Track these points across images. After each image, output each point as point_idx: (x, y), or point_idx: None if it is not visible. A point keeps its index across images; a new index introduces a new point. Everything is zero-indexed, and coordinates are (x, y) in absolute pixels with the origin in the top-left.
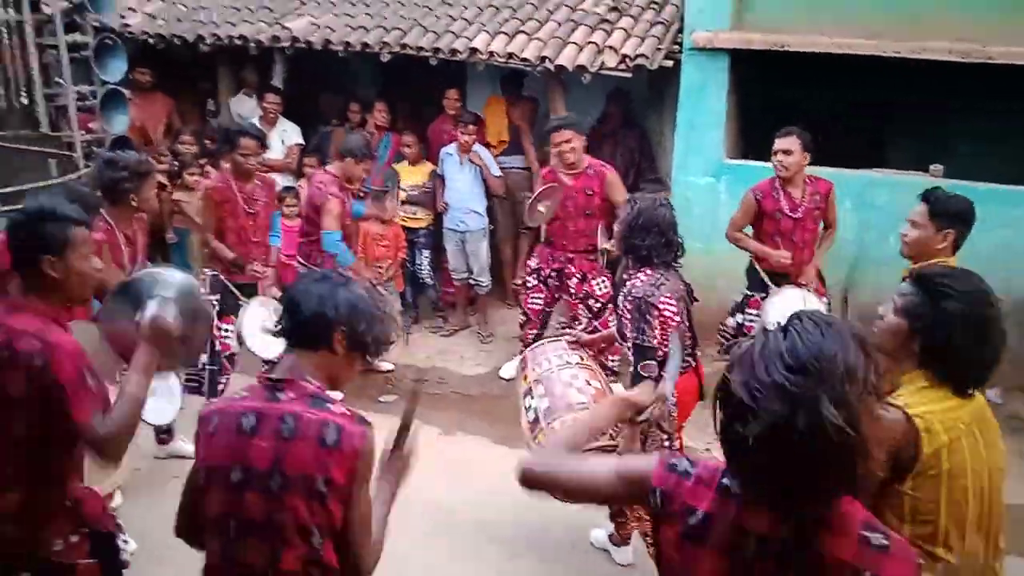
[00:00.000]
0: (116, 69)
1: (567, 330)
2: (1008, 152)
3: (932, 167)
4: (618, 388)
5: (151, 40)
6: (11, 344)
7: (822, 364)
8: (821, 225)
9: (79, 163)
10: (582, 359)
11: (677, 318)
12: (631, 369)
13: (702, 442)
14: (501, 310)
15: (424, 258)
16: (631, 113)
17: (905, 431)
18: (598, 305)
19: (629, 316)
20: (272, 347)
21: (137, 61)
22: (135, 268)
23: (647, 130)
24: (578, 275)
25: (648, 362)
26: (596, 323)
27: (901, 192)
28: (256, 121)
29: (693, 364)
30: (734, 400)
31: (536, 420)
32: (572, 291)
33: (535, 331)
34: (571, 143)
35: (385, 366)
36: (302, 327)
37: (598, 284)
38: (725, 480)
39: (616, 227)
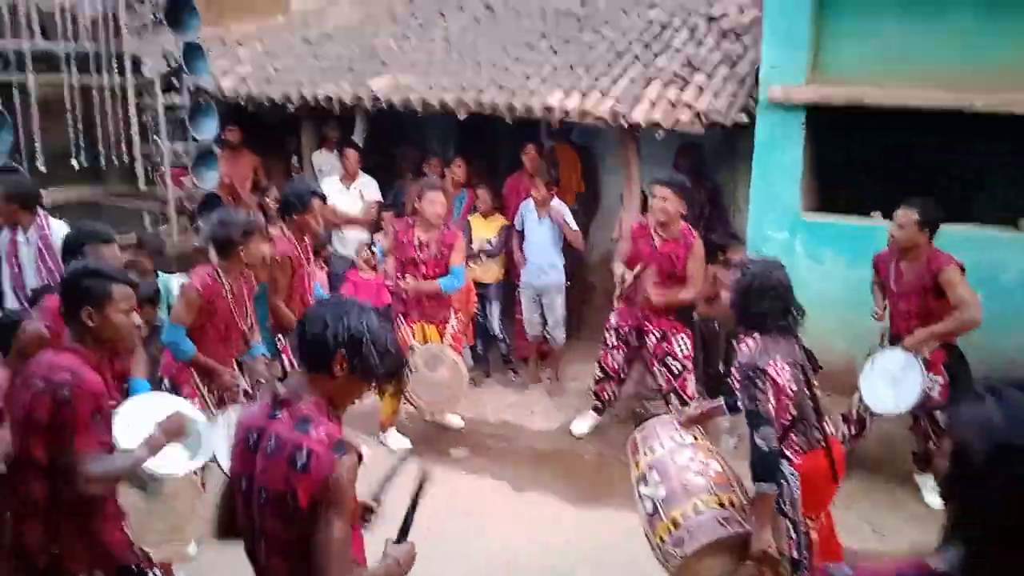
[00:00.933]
0: (208, 128)
1: (675, 406)
2: None
3: (1021, 221)
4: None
5: (242, 101)
6: (48, 376)
7: None
8: None
9: (171, 217)
10: (696, 438)
11: (793, 386)
12: (748, 440)
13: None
14: (573, 365)
15: (495, 311)
16: (701, 167)
17: None
18: (678, 365)
19: (739, 385)
20: None
21: (227, 120)
22: (246, 317)
23: (718, 184)
24: (657, 333)
25: (765, 429)
26: (676, 383)
27: (990, 247)
28: (336, 176)
29: (821, 440)
30: (977, 469)
31: (655, 511)
32: (651, 350)
33: (612, 388)
34: (667, 201)
35: (456, 423)
36: (305, 349)
37: (678, 343)
38: None
39: (727, 293)
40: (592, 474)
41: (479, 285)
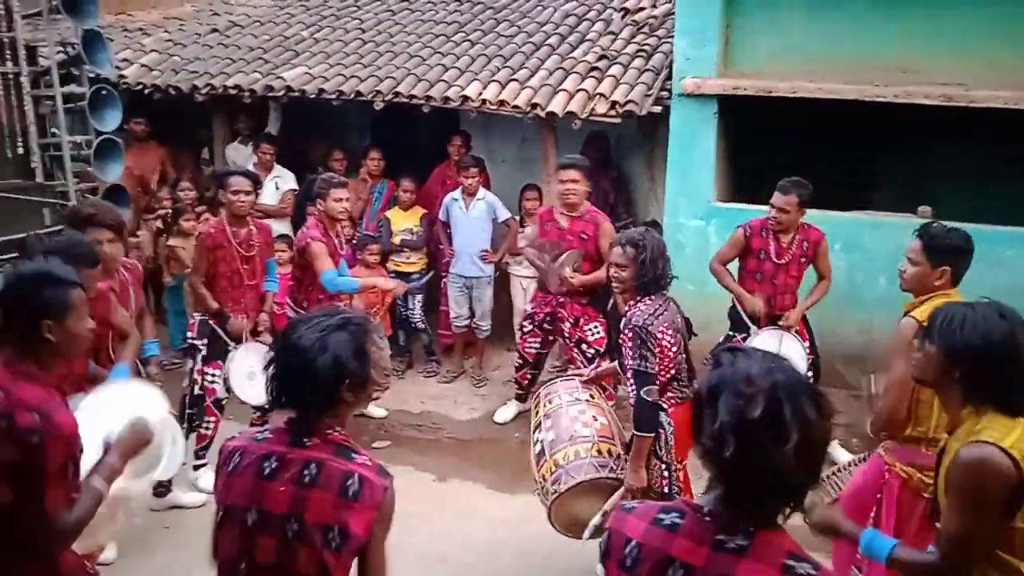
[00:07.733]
0: (111, 119)
1: (570, 371)
2: (989, 192)
3: (920, 208)
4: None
5: (146, 90)
6: (12, 415)
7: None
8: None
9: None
10: (592, 397)
11: (674, 349)
12: (632, 397)
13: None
14: (497, 355)
15: (416, 303)
16: (608, 155)
17: (1007, 465)
18: (591, 351)
19: (629, 344)
20: (260, 393)
21: (132, 111)
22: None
23: (623, 172)
24: (570, 320)
25: (650, 387)
26: (591, 368)
27: (889, 234)
28: (251, 168)
29: (690, 396)
30: (713, 408)
31: (542, 452)
32: (566, 335)
33: (531, 374)
34: (577, 184)
35: (378, 413)
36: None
37: (591, 330)
38: (660, 514)
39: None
40: (516, 460)
41: (401, 276)
